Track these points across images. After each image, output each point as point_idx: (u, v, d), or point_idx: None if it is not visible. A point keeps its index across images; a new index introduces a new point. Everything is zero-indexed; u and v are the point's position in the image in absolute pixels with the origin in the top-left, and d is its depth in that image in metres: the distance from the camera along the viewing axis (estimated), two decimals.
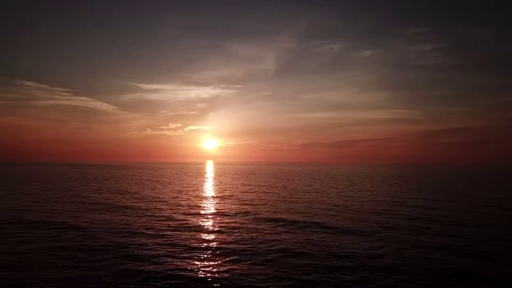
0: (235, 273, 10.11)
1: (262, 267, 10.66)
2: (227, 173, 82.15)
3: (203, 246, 13.05)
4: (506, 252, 12.71)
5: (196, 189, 38.28)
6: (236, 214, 20.63)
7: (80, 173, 75.83)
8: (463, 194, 34.64)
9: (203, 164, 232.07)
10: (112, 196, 30.08)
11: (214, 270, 10.38)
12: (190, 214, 20.59)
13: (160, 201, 26.40)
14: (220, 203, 26.04)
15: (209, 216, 19.86)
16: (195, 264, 10.92)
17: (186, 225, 17.15)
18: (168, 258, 11.38)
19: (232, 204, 24.99)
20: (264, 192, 35.08)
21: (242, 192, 34.84)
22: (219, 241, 13.89)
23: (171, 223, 17.42)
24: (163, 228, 16.26)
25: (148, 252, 12.07)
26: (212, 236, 14.79)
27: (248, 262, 11.11)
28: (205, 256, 11.82)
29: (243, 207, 23.34)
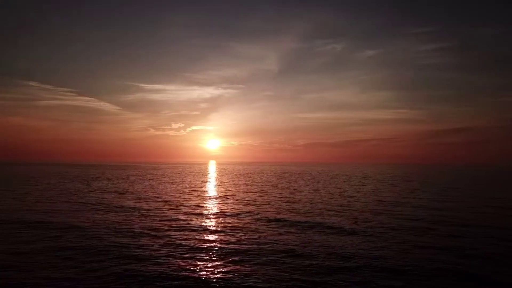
0: (238, 273, 10.04)
1: (265, 267, 10.59)
2: (229, 173, 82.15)
3: (205, 247, 13.00)
4: (509, 253, 12.57)
5: (199, 189, 38.27)
6: (239, 214, 20.57)
7: (82, 173, 76.06)
8: (466, 195, 34.42)
9: (206, 164, 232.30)
10: (114, 196, 30.11)
11: (217, 270, 10.32)
12: (193, 214, 20.55)
13: (163, 201, 26.39)
14: (222, 203, 26.00)
15: (211, 216, 19.81)
16: (197, 264, 10.86)
17: (189, 225, 17.11)
18: (171, 259, 11.33)
19: (234, 204, 24.94)
20: (267, 192, 35.01)
21: (244, 192, 34.79)
22: (221, 242, 13.83)
23: (174, 223, 17.38)
24: (166, 228, 16.22)
25: (150, 252, 12.02)
26: (214, 237, 14.73)
27: (251, 263, 11.04)
28: (208, 256, 11.76)
29: (245, 207, 23.28)
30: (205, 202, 26.56)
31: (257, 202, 26.20)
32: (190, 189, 37.48)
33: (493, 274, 10.33)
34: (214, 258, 11.55)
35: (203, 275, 9.91)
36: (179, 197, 29.70)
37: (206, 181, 52.07)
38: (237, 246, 13.05)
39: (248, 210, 22.14)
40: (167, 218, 18.81)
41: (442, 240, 14.37)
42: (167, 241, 13.72)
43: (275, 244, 13.31)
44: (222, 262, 11.11)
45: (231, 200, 27.61)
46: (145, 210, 21.86)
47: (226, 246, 13.14)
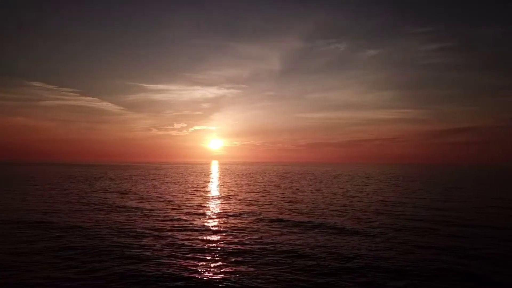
0: (240, 274, 9.99)
1: (267, 268, 10.53)
2: (232, 173, 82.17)
3: (208, 247, 12.96)
4: None
5: (201, 189, 38.27)
6: (241, 214, 20.53)
7: (85, 173, 76.33)
8: (469, 195, 34.20)
9: (208, 164, 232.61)
10: (117, 196, 30.16)
11: (219, 271, 10.28)
12: (195, 214, 20.53)
13: (165, 201, 26.40)
14: (225, 203, 25.97)
15: (214, 217, 19.78)
16: (200, 265, 10.83)
17: (191, 225, 17.08)
18: (173, 259, 11.30)
19: (237, 205, 24.90)
20: (269, 192, 34.95)
21: (247, 192, 34.75)
22: (224, 242, 13.79)
23: (176, 224, 17.36)
24: (168, 228, 16.20)
25: (152, 252, 12.00)
26: (217, 237, 14.69)
27: (254, 263, 10.99)
28: (210, 257, 11.72)
29: (248, 208, 23.24)
30: (207, 202, 26.54)
31: (259, 202, 26.15)
32: (193, 189, 37.49)
33: (496, 274, 10.23)
34: (216, 259, 11.51)
35: (206, 275, 9.88)
36: (182, 197, 29.70)
37: (209, 181, 52.10)
38: (239, 247, 13.00)
39: (250, 210, 22.10)
40: (170, 218, 18.80)
41: (444, 241, 14.25)
42: (170, 241, 13.70)
43: (277, 245, 13.25)
44: (224, 263, 11.07)
45: (234, 200, 27.58)
46: (148, 210, 21.86)
47: (228, 246, 13.10)
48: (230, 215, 20.19)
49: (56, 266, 10.51)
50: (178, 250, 12.44)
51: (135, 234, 14.90)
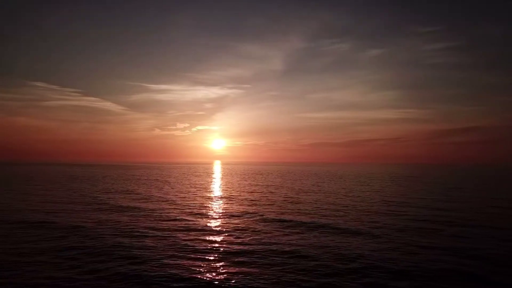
0: (243, 274, 9.97)
1: (270, 268, 10.50)
2: (234, 173, 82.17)
3: (210, 247, 12.95)
4: None
5: (204, 189, 38.29)
6: (244, 214, 20.50)
7: (87, 173, 76.58)
8: (473, 195, 33.99)
9: (211, 164, 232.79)
10: (120, 196, 30.22)
11: (222, 271, 10.26)
12: (198, 214, 20.53)
13: (168, 202, 26.43)
14: (227, 203, 25.96)
15: (216, 217, 19.77)
16: (202, 265, 10.81)
17: (194, 226, 17.08)
18: (175, 259, 11.29)
19: (239, 205, 24.89)
20: (272, 192, 34.91)
21: (249, 192, 34.73)
22: (226, 242, 13.77)
23: (179, 224, 17.37)
24: (171, 229, 16.21)
25: (155, 253, 12.00)
26: (219, 237, 14.68)
27: (256, 264, 10.96)
28: (213, 257, 11.71)
29: (250, 208, 23.21)
30: (210, 202, 26.54)
31: (262, 203, 26.12)
32: (195, 189, 37.51)
33: (497, 275, 10.16)
34: (219, 259, 11.49)
35: (209, 276, 9.86)
36: (184, 197, 29.72)
37: (211, 181, 52.12)
38: (242, 247, 12.98)
39: (253, 210, 22.07)
40: (172, 219, 18.81)
41: (447, 241, 14.17)
42: (172, 241, 13.70)
43: (280, 245, 13.22)
44: (227, 263, 11.05)
45: (236, 201, 27.56)
46: (150, 210, 21.89)
47: (231, 246, 13.08)
48: (232, 215, 20.18)
49: (58, 266, 10.53)
50: (181, 250, 12.44)
51: (137, 234, 14.91)
